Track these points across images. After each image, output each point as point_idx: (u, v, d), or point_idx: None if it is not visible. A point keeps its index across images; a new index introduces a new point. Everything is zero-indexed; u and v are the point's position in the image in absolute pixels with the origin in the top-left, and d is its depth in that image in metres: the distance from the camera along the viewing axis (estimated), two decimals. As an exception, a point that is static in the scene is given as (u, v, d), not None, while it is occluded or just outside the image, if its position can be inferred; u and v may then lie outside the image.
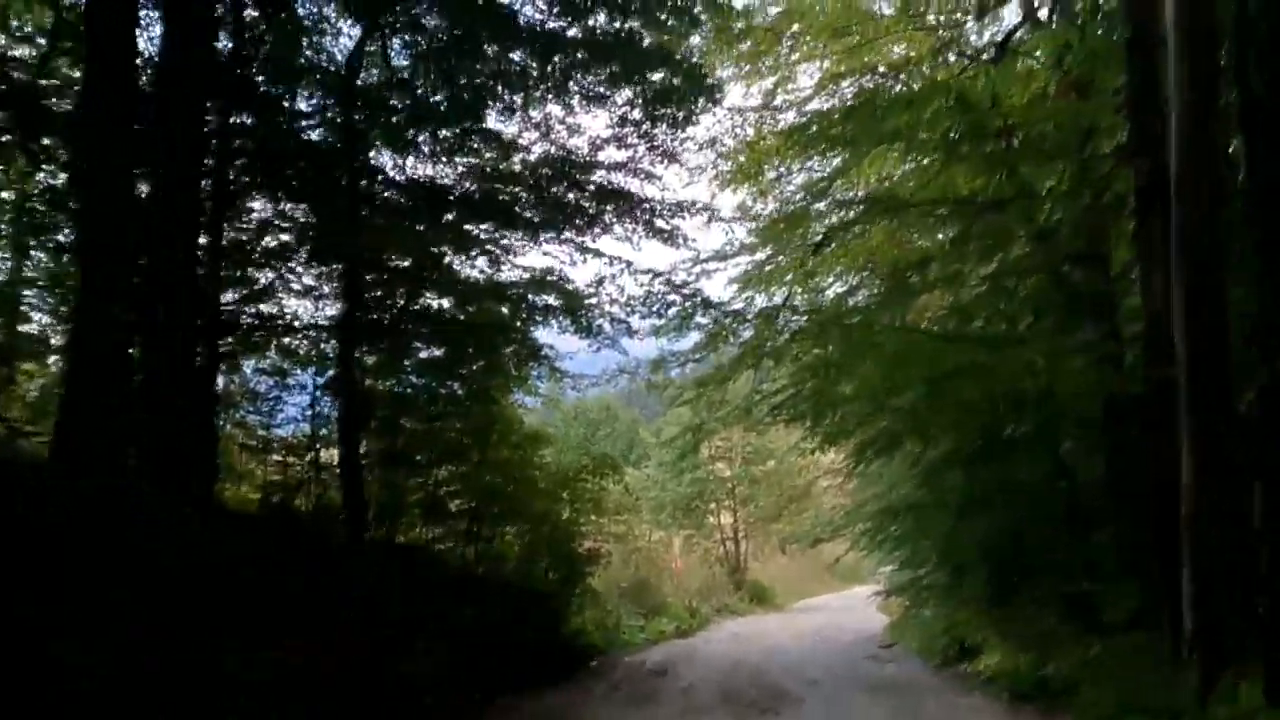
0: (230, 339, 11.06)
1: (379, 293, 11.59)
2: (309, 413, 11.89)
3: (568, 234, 11.79)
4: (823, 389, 14.64)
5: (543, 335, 13.62)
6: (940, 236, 13.52)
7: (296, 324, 11.66)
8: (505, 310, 12.48)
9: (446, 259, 11.91)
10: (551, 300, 12.54)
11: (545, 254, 12.54)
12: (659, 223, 12.28)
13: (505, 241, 12.16)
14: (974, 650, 12.41)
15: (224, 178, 10.20)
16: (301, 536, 9.39)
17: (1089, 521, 12.98)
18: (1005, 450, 14.97)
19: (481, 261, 12.40)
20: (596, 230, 11.85)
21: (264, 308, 11.82)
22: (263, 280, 11.70)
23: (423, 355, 13.17)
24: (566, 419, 65.28)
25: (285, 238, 11.29)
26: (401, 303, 11.79)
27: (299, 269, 11.53)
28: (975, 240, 12.06)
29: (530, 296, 12.45)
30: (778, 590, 34.76)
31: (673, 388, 18.29)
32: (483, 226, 11.71)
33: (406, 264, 11.53)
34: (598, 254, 12.66)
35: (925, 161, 10.76)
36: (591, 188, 11.47)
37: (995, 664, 10.63)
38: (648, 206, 12.14)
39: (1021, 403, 12.82)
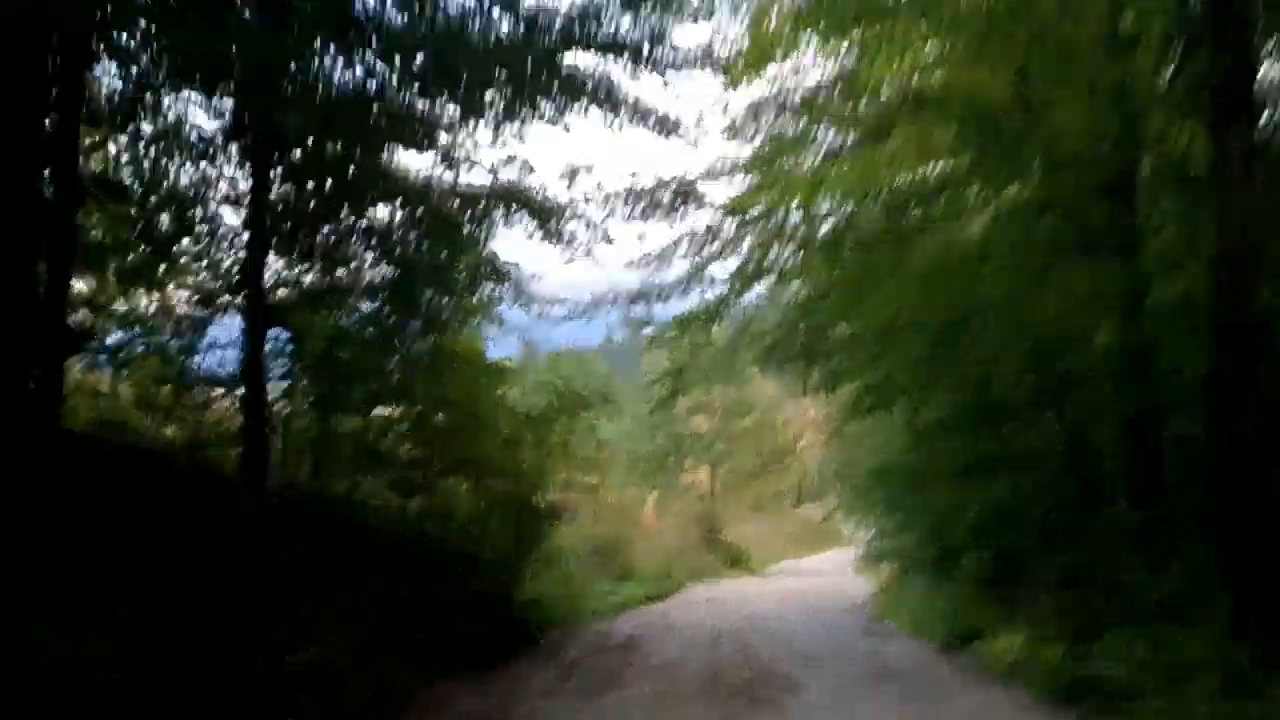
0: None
1: (304, 193, 9.65)
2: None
3: (539, 116, 9.83)
4: (823, 327, 13.05)
5: (507, 252, 11.82)
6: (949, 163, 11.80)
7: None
8: (463, 216, 10.54)
9: (390, 153, 9.99)
10: (517, 203, 10.58)
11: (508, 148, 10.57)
12: (648, 105, 10.23)
13: (463, 133, 10.22)
14: (978, 633, 10.92)
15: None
16: (165, 474, 7.59)
17: (1104, 493, 11.54)
18: (1011, 411, 13.56)
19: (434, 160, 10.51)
20: (571, 113, 9.91)
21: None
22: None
23: (366, 274, 11.35)
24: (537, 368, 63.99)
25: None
26: (330, 204, 9.86)
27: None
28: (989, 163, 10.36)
29: (492, 199, 10.51)
30: (754, 553, 33.44)
31: (652, 328, 16.60)
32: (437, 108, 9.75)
33: (337, 151, 9.53)
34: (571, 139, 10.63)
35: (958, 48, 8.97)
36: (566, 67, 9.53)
37: (1012, 652, 9.12)
38: (631, 93, 10.19)
39: (1046, 351, 11.25)
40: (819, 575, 29.41)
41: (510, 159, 10.55)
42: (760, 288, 17.44)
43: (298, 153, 9.49)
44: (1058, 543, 11.27)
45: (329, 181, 9.45)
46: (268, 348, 10.76)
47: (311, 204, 9.74)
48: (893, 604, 16.69)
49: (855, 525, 29.91)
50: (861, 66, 11.50)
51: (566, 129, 10.98)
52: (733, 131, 14.24)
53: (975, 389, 13.22)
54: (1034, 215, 11.15)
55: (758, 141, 13.89)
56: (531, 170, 10.67)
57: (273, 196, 9.57)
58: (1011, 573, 11.93)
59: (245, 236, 9.54)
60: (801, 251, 13.74)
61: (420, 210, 10.42)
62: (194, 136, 8.92)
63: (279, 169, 9.45)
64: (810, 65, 10.83)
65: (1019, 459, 12.55)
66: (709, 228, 14.54)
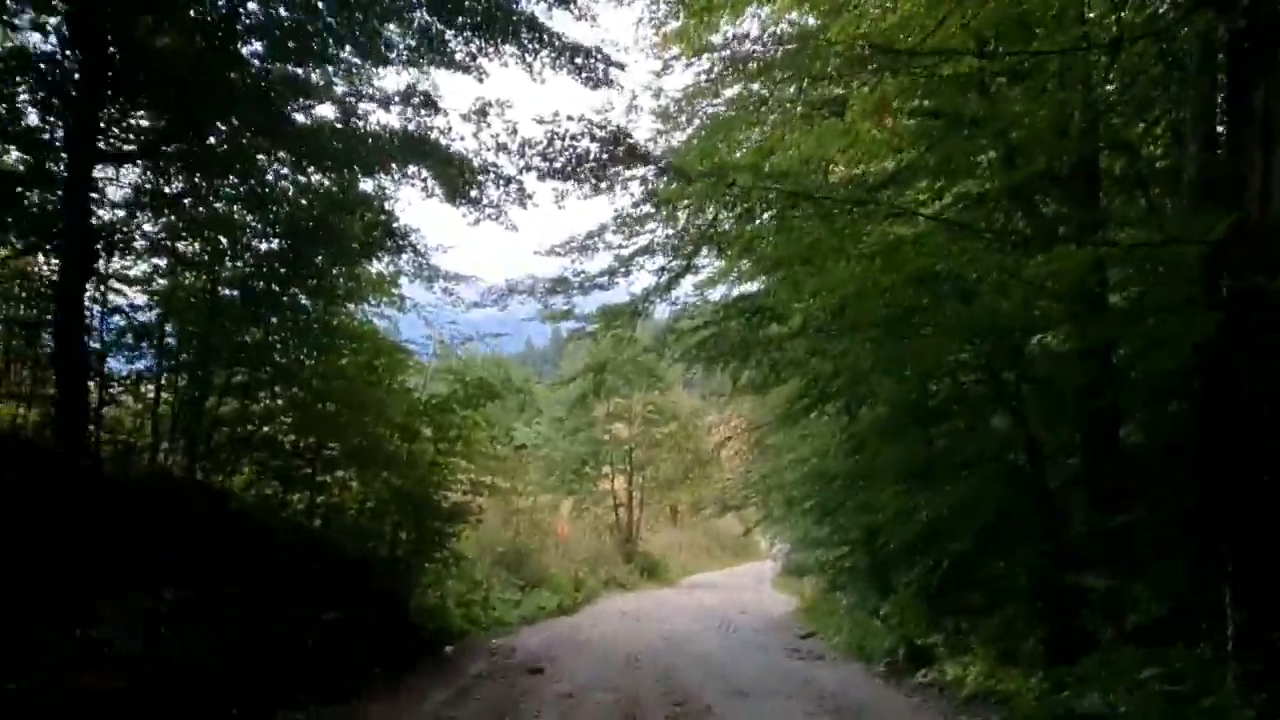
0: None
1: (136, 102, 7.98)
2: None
3: (448, 59, 8.42)
4: (761, 314, 11.91)
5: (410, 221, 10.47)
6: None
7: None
8: (355, 161, 8.99)
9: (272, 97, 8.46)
10: (418, 151, 9.06)
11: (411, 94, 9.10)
12: (575, 42, 8.83)
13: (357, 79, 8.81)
14: (928, 655, 9.86)
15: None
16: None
17: (1063, 499, 10.63)
18: (962, 411, 12.62)
19: (327, 111, 9.04)
20: (487, 53, 8.51)
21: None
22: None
23: (249, 239, 9.86)
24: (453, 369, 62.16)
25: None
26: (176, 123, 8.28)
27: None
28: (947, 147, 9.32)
29: (390, 144, 8.98)
30: (670, 563, 32.28)
31: (574, 319, 15.28)
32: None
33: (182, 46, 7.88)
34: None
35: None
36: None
37: (973, 679, 8.05)
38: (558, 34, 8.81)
39: (1002, 346, 10.30)
40: (737, 589, 28.33)
41: (412, 93, 9.13)
42: (691, 282, 16.60)
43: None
44: (1013, 553, 10.31)
45: (173, 91, 7.68)
46: (133, 321, 9.31)
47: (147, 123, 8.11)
48: (821, 620, 15.63)
49: (775, 537, 28.98)
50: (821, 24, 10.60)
51: (480, 77, 9.72)
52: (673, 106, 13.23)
53: (923, 386, 12.30)
54: (991, 204, 10.27)
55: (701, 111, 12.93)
56: (437, 109, 9.24)
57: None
58: (958, 585, 10.94)
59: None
60: (745, 230, 12.72)
61: (303, 150, 8.88)
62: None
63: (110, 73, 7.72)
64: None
65: (970, 462, 11.61)
66: (638, 204, 13.48)
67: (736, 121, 12.11)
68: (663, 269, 15.35)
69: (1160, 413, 11.13)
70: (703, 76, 12.26)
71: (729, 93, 12.71)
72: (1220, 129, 7.62)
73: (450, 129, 9.36)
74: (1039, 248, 9.17)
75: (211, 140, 8.66)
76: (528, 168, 9.43)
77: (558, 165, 9.02)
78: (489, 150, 9.58)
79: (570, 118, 8.63)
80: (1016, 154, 8.95)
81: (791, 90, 10.68)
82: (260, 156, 9.13)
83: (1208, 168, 7.42)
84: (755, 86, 11.23)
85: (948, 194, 10.47)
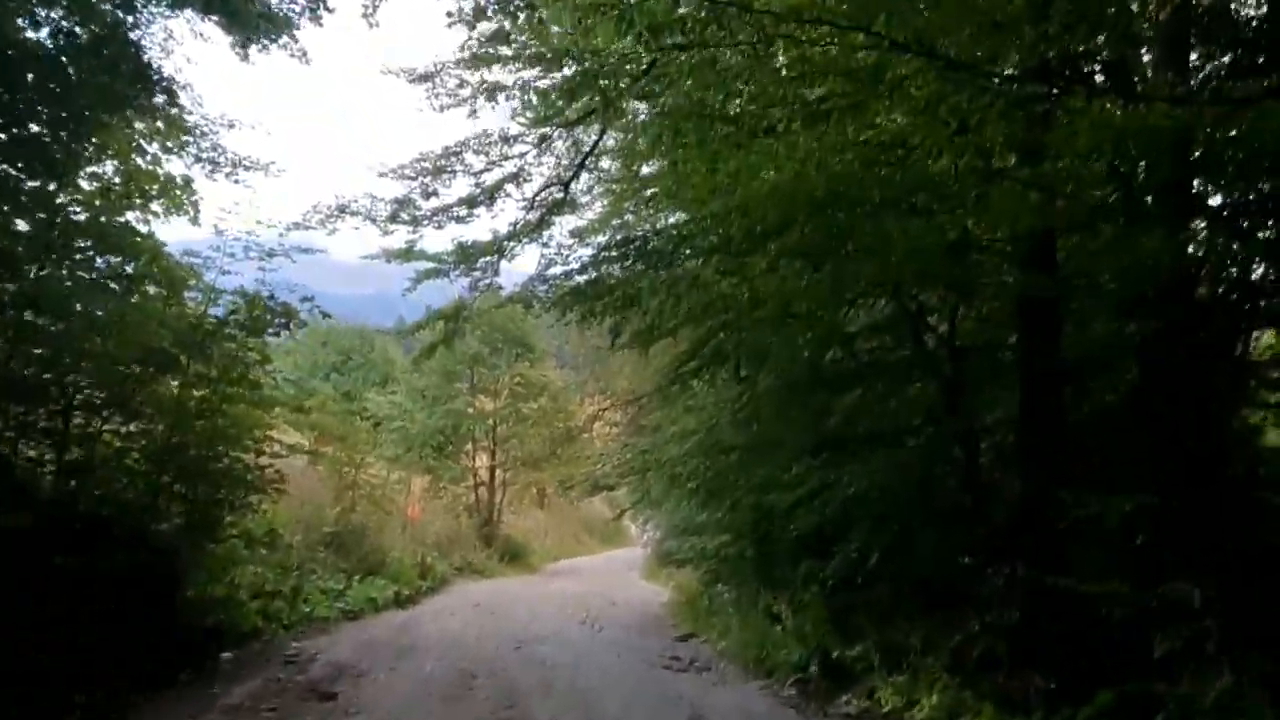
0: None
1: None
2: None
3: None
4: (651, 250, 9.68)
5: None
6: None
7: None
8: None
9: None
10: None
11: None
12: None
13: None
14: (844, 670, 7.82)
15: None
16: None
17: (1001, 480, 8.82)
18: (876, 376, 10.73)
19: None
20: None
21: None
22: None
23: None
24: (314, 345, 58.20)
25: None
26: None
27: None
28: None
29: None
30: (533, 548, 29.93)
31: (425, 259, 12.72)
32: None
33: None
34: None
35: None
36: None
37: (924, 711, 5.99)
38: None
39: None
40: (605, 576, 26.27)
41: None
42: (568, 227, 14.25)
43: None
44: (942, 540, 8.38)
45: None
46: None
47: None
48: (701, 619, 13.55)
49: (646, 523, 26.95)
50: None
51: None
52: None
53: (832, 342, 10.34)
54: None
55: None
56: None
57: None
58: (878, 581, 8.96)
59: None
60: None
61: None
62: None
63: None
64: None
65: (886, 434, 9.68)
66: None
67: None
68: (533, 201, 13.02)
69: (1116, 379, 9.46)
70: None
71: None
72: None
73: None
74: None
75: None
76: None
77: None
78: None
79: None
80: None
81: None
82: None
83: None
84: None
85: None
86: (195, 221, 9.43)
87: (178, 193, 8.65)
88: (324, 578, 12.75)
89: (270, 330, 8.67)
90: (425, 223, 12.39)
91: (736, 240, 6.63)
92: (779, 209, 5.78)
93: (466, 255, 12.75)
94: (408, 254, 12.73)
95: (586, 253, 12.46)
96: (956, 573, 8.06)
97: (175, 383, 8.38)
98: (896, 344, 10.81)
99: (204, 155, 8.35)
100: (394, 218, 11.64)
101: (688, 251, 8.33)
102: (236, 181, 8.90)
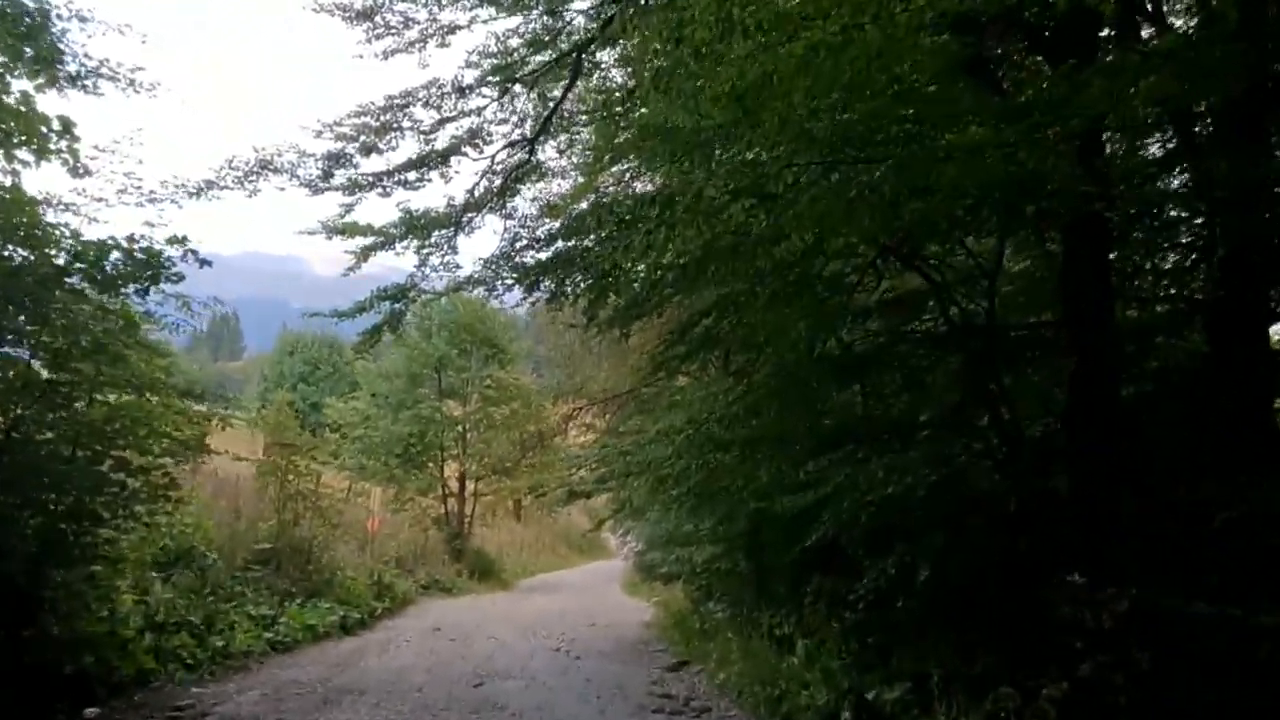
0: None
1: None
2: None
3: None
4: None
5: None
6: None
7: None
8: None
9: None
10: None
11: None
12: None
13: None
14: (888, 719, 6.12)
15: None
16: None
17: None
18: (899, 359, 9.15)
19: None
20: None
21: None
22: None
23: None
24: (280, 354, 56.10)
25: None
26: None
27: None
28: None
29: None
30: (506, 563, 28.09)
31: (370, 234, 10.93)
32: None
33: None
34: None
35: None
36: None
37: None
38: None
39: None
40: (582, 592, 24.48)
41: None
42: (533, 193, 12.54)
43: None
44: (987, 550, 6.70)
45: None
46: None
47: None
48: (693, 642, 11.81)
49: (626, 534, 25.20)
50: None
51: None
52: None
53: (844, 324, 8.78)
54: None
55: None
56: None
57: None
58: (911, 600, 7.27)
59: None
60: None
61: None
62: None
63: None
64: None
65: (916, 426, 8.01)
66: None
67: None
68: (492, 162, 11.32)
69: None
70: None
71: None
72: None
73: None
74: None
75: None
76: None
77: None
78: None
79: None
80: None
81: None
82: None
83: None
84: None
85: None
86: (76, 170, 7.62)
87: (43, 129, 6.85)
88: (255, 602, 10.93)
89: (137, 285, 6.83)
90: (367, 188, 10.67)
91: (760, 139, 4.85)
92: (823, 80, 4.08)
93: (416, 226, 11.02)
94: (351, 229, 10.98)
95: (557, 225, 10.76)
96: (1017, 591, 6.41)
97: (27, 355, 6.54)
98: (910, 322, 9.30)
99: (44, 55, 6.53)
100: (327, 176, 9.90)
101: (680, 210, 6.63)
102: (87, 91, 7.11)
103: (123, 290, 6.69)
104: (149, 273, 6.63)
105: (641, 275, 9.94)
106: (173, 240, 6.76)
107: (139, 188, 7.26)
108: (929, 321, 8.99)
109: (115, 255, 6.51)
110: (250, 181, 9.40)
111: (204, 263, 6.98)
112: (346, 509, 19.82)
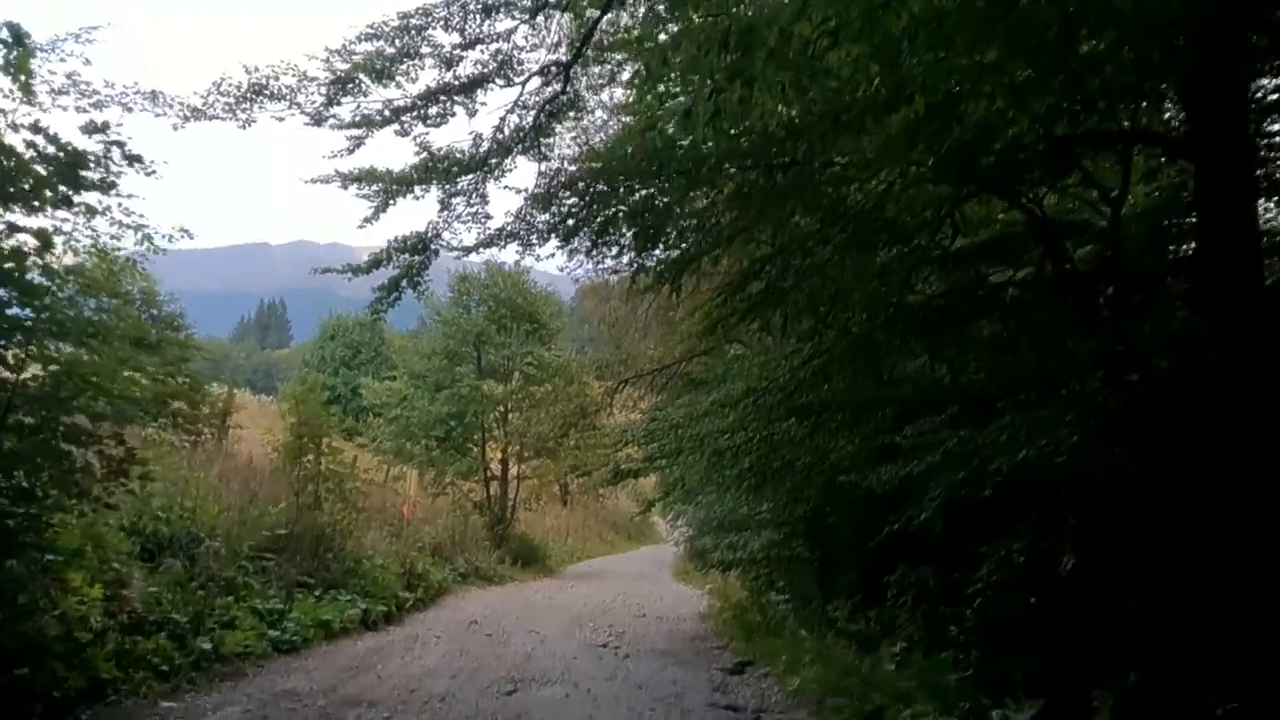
0: None
1: None
2: None
3: None
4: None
5: None
6: None
7: None
8: None
9: None
10: None
11: None
12: None
13: None
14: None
15: None
16: None
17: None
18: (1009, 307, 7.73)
19: None
20: None
21: None
22: None
23: None
24: (323, 339, 55.45)
25: None
26: None
27: None
28: None
29: None
30: (551, 549, 26.88)
31: (381, 181, 9.62)
32: None
33: None
34: None
35: None
36: None
37: None
38: None
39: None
40: (631, 580, 23.20)
41: None
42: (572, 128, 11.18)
43: None
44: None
45: None
46: None
47: None
48: (757, 639, 10.43)
49: (677, 518, 23.84)
50: None
51: None
52: None
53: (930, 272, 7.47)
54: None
55: None
56: None
57: None
58: (1025, 591, 5.78)
59: None
60: None
61: None
62: None
63: None
64: None
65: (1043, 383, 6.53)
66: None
67: None
68: (523, 89, 9.95)
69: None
70: None
71: None
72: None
73: None
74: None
75: None
76: None
77: None
78: None
79: None
80: None
81: None
82: None
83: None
84: None
85: None
86: (29, 93, 6.34)
87: None
88: (263, 595, 9.73)
89: (50, 196, 5.49)
90: (380, 123, 9.35)
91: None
92: None
93: (439, 169, 9.70)
94: (369, 176, 9.67)
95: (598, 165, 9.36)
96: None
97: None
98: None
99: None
100: (332, 102, 8.57)
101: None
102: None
103: (35, 205, 5.40)
104: (66, 179, 5.33)
105: (701, 208, 8.60)
106: (91, 128, 5.46)
107: (85, 91, 5.96)
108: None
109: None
110: (243, 109, 8.11)
111: (133, 159, 5.67)
112: (380, 493, 18.69)
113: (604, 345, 26.55)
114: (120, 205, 5.95)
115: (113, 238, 6.05)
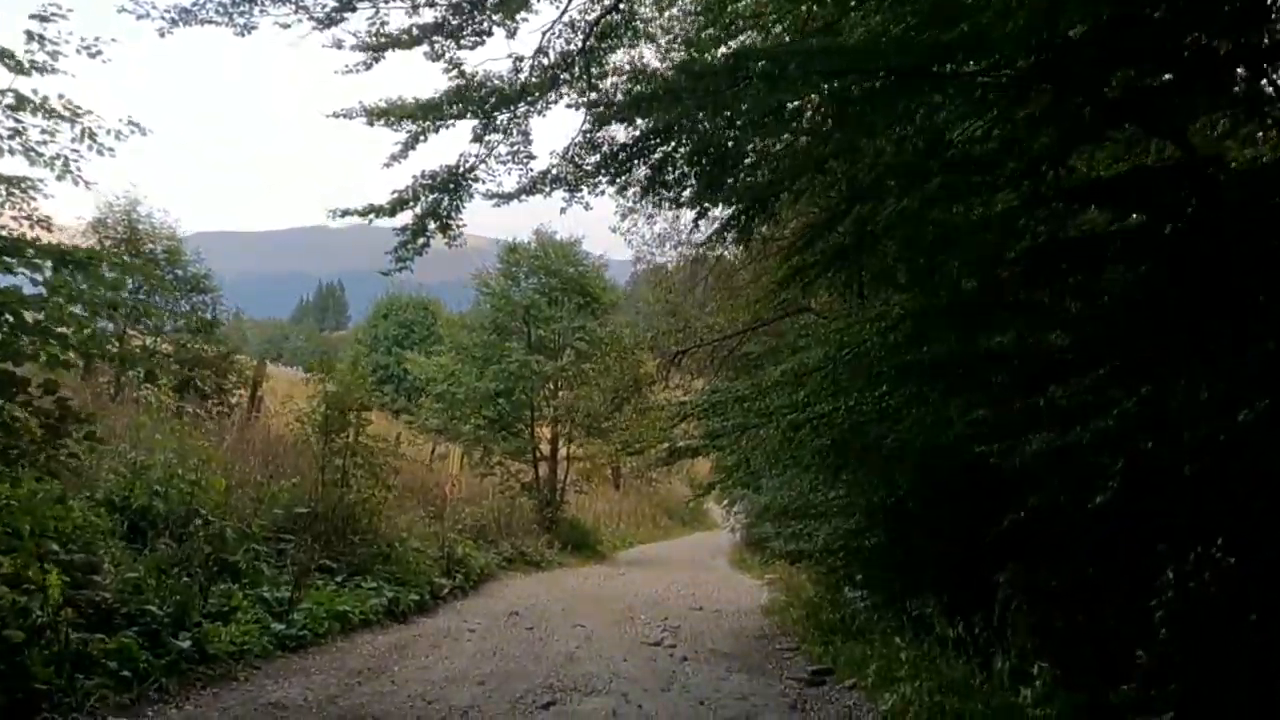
0: None
1: None
2: None
3: None
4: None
5: None
6: None
7: None
8: None
9: None
10: None
11: None
12: None
13: None
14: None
15: None
16: None
17: None
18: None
19: None
20: None
21: None
22: None
23: None
24: (375, 318, 54.81)
25: None
26: None
27: None
28: None
29: None
30: (602, 534, 25.67)
31: (407, 116, 8.38)
32: None
33: None
34: None
35: None
36: None
37: None
38: None
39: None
40: (686, 566, 21.94)
41: None
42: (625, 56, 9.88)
43: None
44: None
45: None
46: None
47: None
48: (835, 641, 9.06)
49: (735, 504, 22.48)
50: None
51: None
52: None
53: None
54: None
55: None
56: None
57: None
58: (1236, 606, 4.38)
59: None
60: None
61: None
62: None
63: None
64: None
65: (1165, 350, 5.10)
66: None
67: None
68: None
69: None
70: None
71: None
72: None
73: None
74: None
75: None
76: None
77: None
78: None
79: None
80: None
81: None
82: None
83: None
84: None
85: None
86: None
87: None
88: (273, 582, 8.59)
89: None
90: (408, 42, 8.10)
91: None
92: None
93: (474, 98, 8.45)
94: (397, 110, 8.44)
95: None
96: None
97: None
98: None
99: None
100: (345, 6, 7.32)
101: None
102: None
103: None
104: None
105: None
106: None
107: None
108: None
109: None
110: (240, 11, 6.91)
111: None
112: (421, 472, 17.59)
113: (659, 324, 25.23)
114: (61, 96, 4.79)
115: (45, 131, 4.88)
